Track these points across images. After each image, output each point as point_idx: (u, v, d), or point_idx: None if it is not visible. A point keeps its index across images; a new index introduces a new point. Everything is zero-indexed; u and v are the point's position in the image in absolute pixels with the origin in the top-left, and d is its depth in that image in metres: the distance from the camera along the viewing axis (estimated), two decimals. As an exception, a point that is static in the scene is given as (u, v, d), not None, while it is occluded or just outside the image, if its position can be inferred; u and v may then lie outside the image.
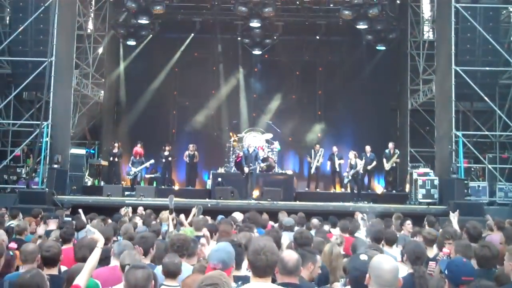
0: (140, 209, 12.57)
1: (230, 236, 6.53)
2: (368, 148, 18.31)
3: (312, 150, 19.50)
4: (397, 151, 18.73)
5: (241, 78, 23.20)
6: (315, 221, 9.66)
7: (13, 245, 6.89)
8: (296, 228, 8.38)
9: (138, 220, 10.37)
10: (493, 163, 18.24)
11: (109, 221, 9.93)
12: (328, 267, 5.48)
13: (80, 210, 10.41)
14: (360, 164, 17.24)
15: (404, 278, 5.10)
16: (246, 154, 16.81)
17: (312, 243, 6.05)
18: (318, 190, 19.33)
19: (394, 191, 19.42)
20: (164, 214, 10.20)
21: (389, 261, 3.60)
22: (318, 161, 19.24)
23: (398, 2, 22.28)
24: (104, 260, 5.35)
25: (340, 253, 5.91)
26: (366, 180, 18.77)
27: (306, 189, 19.73)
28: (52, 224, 9.04)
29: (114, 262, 5.38)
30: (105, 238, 5.42)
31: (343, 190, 18.73)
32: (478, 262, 5.38)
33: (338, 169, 18.94)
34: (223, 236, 6.44)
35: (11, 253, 5.95)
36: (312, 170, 19.51)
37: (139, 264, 4.38)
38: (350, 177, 17.34)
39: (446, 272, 4.44)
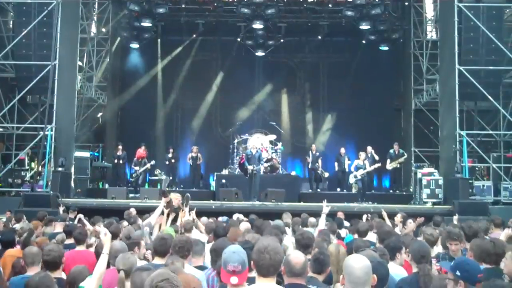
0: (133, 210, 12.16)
1: (239, 238, 6.55)
2: (369, 149, 18.15)
3: (310, 151, 19.37)
4: (404, 153, 18.64)
5: (244, 80, 23.18)
6: (312, 220, 9.66)
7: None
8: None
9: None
10: (498, 162, 18.21)
11: (125, 223, 9.63)
12: (334, 267, 5.46)
13: (81, 216, 10.40)
14: (369, 165, 17.21)
15: (409, 277, 5.13)
16: (249, 156, 16.81)
17: (314, 243, 6.05)
18: (318, 190, 19.19)
19: (398, 191, 19.39)
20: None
21: (361, 260, 3.60)
22: (317, 160, 19.05)
23: (400, 2, 22.23)
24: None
25: (346, 253, 5.88)
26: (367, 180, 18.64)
27: (310, 190, 19.51)
28: (58, 227, 9.07)
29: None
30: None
31: (345, 190, 18.66)
32: (478, 256, 5.32)
33: (347, 170, 18.83)
34: (233, 239, 6.49)
35: None
36: (309, 166, 19.37)
37: (144, 266, 4.39)
38: (359, 177, 17.23)
39: (458, 273, 4.38)
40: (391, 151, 18.63)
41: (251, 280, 4.14)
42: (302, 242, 5.76)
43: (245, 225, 8.91)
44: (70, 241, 7.48)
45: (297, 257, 3.99)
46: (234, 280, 3.74)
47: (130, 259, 4.95)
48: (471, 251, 5.55)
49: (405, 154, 18.74)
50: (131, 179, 19.02)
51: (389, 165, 18.48)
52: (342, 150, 19.14)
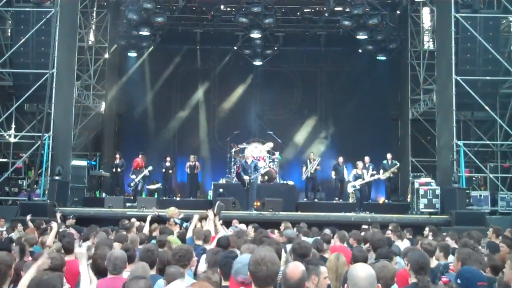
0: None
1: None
2: (367, 158, 18.06)
3: (308, 160, 19.38)
4: (397, 162, 18.54)
5: (242, 89, 23.23)
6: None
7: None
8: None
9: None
10: (495, 173, 18.18)
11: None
12: (333, 274, 5.40)
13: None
14: (368, 175, 17.13)
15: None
16: (244, 166, 16.75)
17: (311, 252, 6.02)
18: (316, 200, 19.17)
19: (391, 200, 19.36)
20: (171, 209, 10.25)
21: (365, 269, 3.57)
22: (313, 167, 19.03)
23: (398, 12, 22.32)
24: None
25: (345, 261, 5.84)
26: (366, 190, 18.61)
27: (305, 199, 19.48)
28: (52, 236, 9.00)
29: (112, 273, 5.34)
30: None
31: (341, 200, 18.65)
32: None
33: (346, 179, 18.79)
34: (233, 248, 6.51)
35: None
36: (303, 177, 19.40)
37: (140, 275, 4.39)
38: (358, 187, 17.15)
39: (458, 280, 4.37)
40: (385, 161, 18.55)
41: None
42: (298, 252, 5.73)
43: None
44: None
45: (293, 271, 3.78)
46: None
47: (146, 268, 5.00)
48: (458, 260, 5.59)
49: (398, 163, 18.60)
50: (129, 188, 18.95)
51: (383, 175, 18.42)
52: (341, 159, 19.07)
